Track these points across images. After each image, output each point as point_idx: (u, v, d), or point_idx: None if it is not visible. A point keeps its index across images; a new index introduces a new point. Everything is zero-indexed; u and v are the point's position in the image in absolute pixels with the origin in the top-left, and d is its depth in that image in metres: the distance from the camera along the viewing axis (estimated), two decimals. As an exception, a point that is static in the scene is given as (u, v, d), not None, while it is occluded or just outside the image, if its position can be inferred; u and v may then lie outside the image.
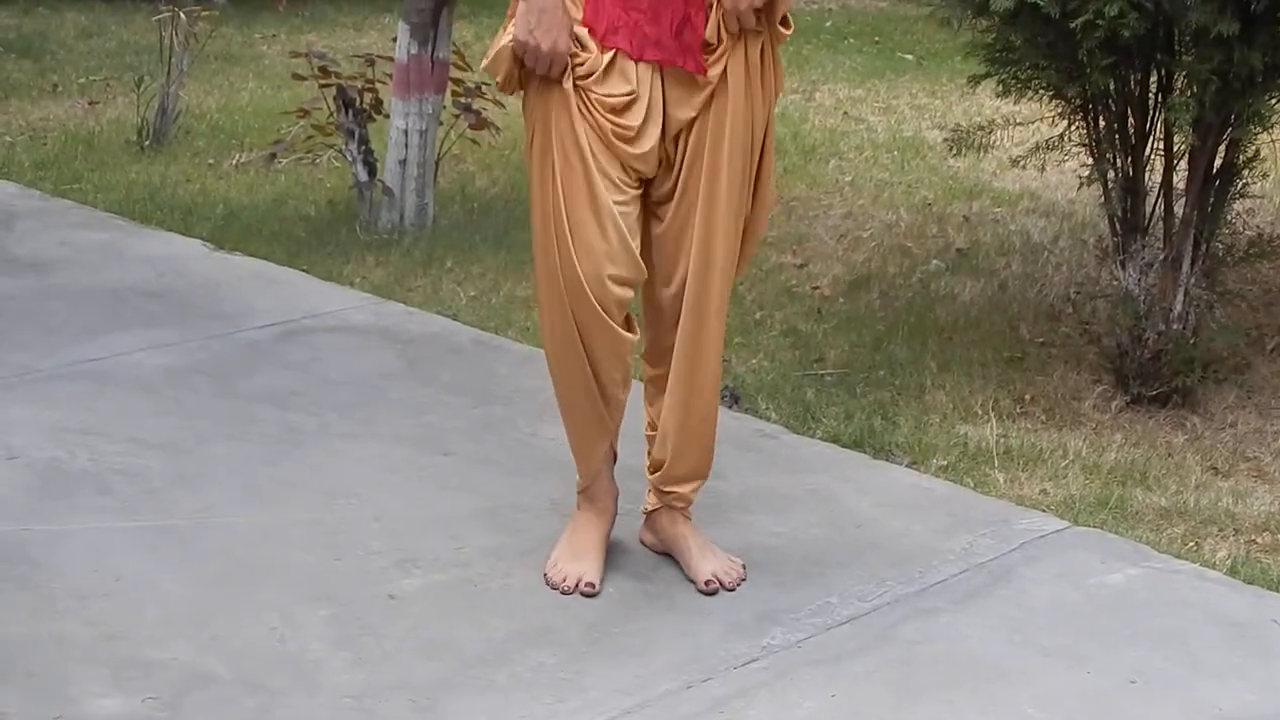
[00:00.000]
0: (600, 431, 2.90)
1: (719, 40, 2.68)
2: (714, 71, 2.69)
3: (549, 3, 2.63)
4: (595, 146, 2.68)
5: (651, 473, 2.95)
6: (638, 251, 2.76)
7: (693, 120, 2.72)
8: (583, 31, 2.67)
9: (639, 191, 2.76)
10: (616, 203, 2.71)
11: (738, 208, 2.78)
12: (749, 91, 2.72)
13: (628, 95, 2.68)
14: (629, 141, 2.69)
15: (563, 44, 2.65)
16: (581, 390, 2.83)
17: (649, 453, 2.96)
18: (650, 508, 2.99)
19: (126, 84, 6.92)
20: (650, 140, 2.71)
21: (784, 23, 2.72)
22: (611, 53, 2.68)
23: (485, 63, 2.74)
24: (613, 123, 2.68)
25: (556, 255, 2.72)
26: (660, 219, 2.80)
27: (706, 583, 2.88)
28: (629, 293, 2.77)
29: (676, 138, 2.73)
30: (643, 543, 3.03)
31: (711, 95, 2.70)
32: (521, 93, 2.76)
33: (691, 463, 2.91)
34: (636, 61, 2.68)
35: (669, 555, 2.98)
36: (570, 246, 2.70)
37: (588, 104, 2.68)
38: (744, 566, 2.94)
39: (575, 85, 2.67)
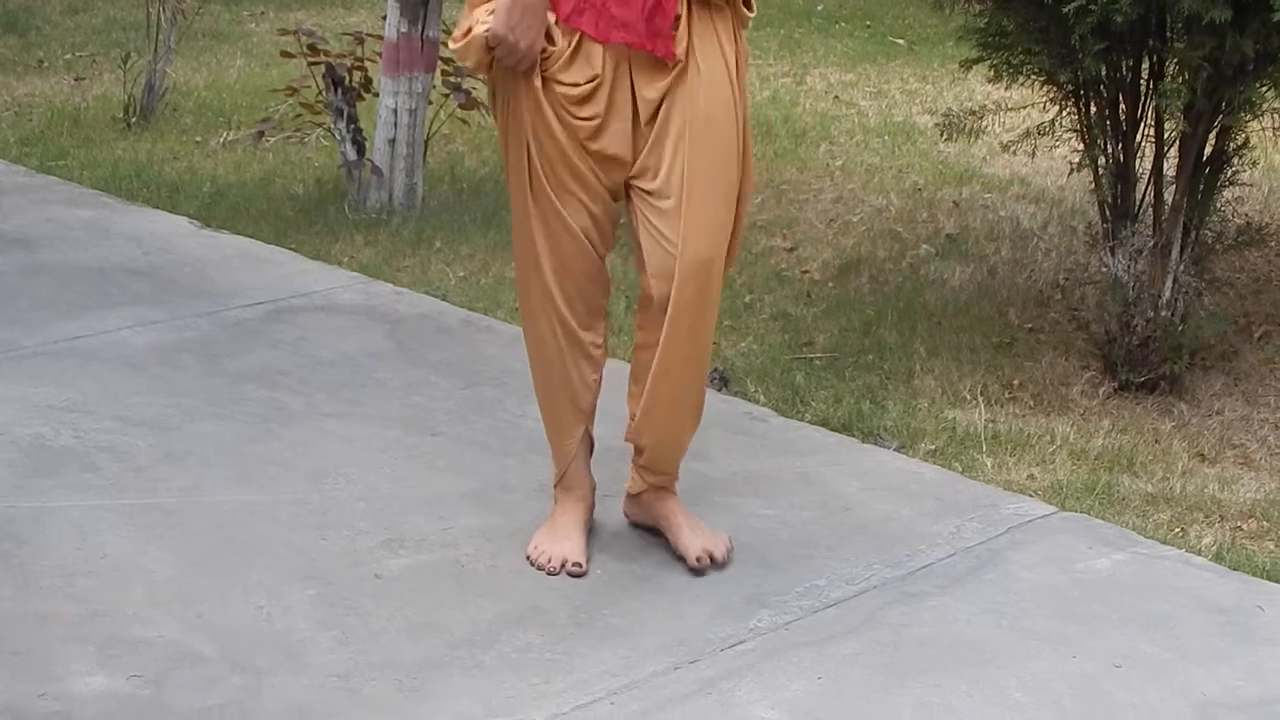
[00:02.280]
0: (574, 412, 2.90)
1: (680, 15, 2.64)
2: (678, 49, 2.65)
3: (534, 2, 2.61)
4: (564, 134, 2.68)
5: (636, 455, 2.95)
6: (613, 232, 2.78)
7: (661, 100, 2.68)
8: (552, 21, 2.65)
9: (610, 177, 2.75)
10: (592, 185, 2.72)
11: (726, 187, 2.73)
12: (724, 69, 2.68)
13: (590, 82, 2.66)
14: (590, 136, 2.68)
15: (540, 43, 2.64)
16: (558, 357, 2.84)
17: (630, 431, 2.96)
18: (635, 490, 2.98)
19: (113, 60, 6.89)
20: (611, 135, 2.68)
21: (747, 5, 2.71)
22: (576, 36, 2.65)
23: (454, 47, 2.71)
24: (574, 116, 2.67)
25: (539, 226, 2.74)
26: (645, 201, 2.75)
27: (698, 559, 2.87)
28: (605, 249, 2.81)
29: (651, 119, 2.70)
30: (626, 516, 3.02)
31: (680, 74, 2.66)
32: (488, 78, 2.74)
33: (671, 451, 2.91)
34: (602, 44, 2.65)
35: (654, 532, 2.98)
36: (553, 220, 2.72)
37: (554, 96, 2.67)
38: (729, 539, 2.94)
39: (542, 77, 2.66)
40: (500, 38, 2.62)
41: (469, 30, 2.68)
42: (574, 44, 2.65)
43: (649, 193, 2.72)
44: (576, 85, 2.66)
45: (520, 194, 2.76)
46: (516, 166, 2.74)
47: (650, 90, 2.67)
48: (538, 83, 2.66)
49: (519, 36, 2.61)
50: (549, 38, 2.65)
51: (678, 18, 2.64)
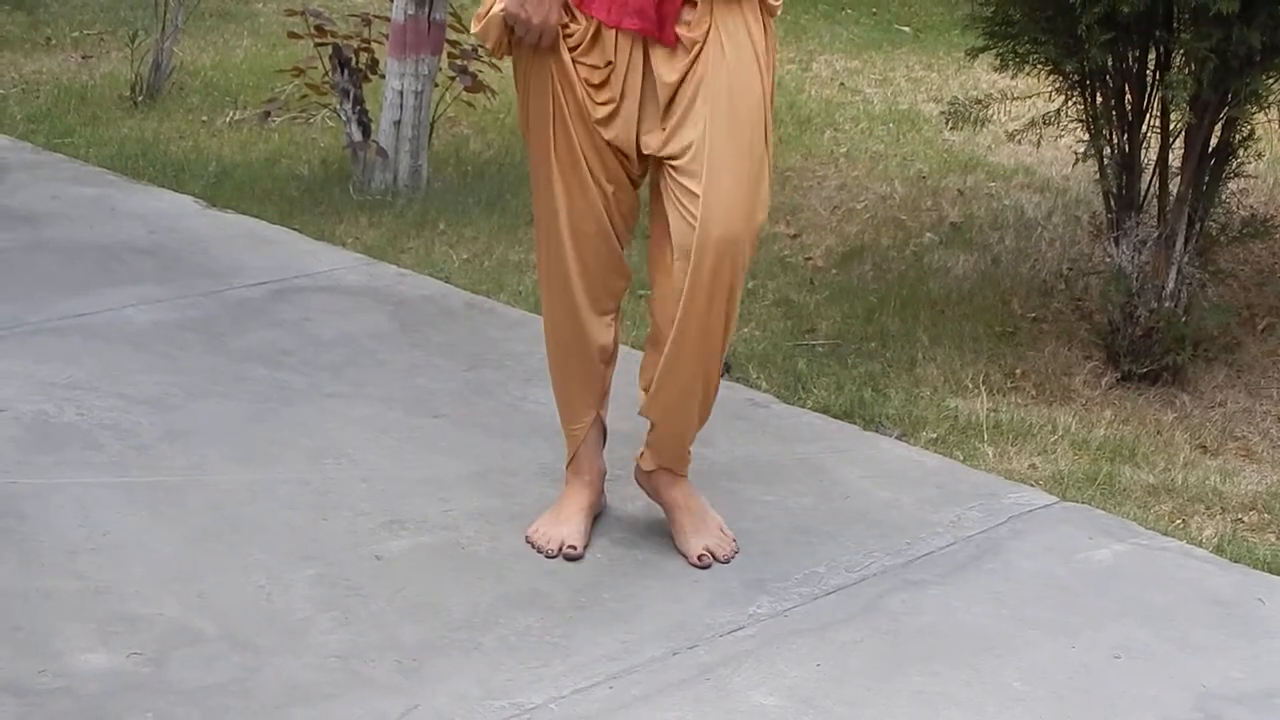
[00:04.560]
0: (589, 392, 2.90)
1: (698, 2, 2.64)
2: (696, 32, 2.63)
3: None
4: (587, 115, 2.70)
5: (649, 430, 2.93)
6: (634, 223, 2.80)
7: (680, 81, 2.66)
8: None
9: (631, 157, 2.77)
10: (612, 165, 2.73)
11: (753, 166, 2.69)
12: (751, 50, 2.67)
13: (605, 67, 2.67)
14: (602, 123, 2.70)
15: (554, 17, 2.65)
16: (574, 340, 2.85)
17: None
18: (647, 467, 2.96)
19: (120, 38, 6.87)
20: (620, 122, 2.69)
21: None
22: (595, 23, 2.66)
23: (475, 28, 2.73)
24: (593, 100, 2.69)
25: (562, 208, 2.74)
26: (673, 177, 2.71)
27: (699, 557, 2.87)
28: (628, 237, 2.83)
29: (670, 100, 2.68)
30: (637, 483, 2.99)
31: (697, 56, 2.64)
32: (512, 57, 2.76)
33: (676, 436, 2.89)
34: (615, 29, 2.66)
35: (659, 517, 2.97)
36: (578, 200, 2.73)
37: (579, 75, 2.68)
38: (734, 540, 2.93)
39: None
40: (513, 15, 2.64)
41: (489, 10, 2.70)
42: (593, 28, 2.67)
43: (676, 169, 2.69)
44: (595, 68, 2.68)
45: (545, 175, 2.76)
46: (541, 148, 2.75)
47: (669, 73, 2.67)
48: (567, 58, 2.67)
49: (530, 12, 2.63)
50: (567, 10, 2.66)
51: (691, 3, 2.64)
